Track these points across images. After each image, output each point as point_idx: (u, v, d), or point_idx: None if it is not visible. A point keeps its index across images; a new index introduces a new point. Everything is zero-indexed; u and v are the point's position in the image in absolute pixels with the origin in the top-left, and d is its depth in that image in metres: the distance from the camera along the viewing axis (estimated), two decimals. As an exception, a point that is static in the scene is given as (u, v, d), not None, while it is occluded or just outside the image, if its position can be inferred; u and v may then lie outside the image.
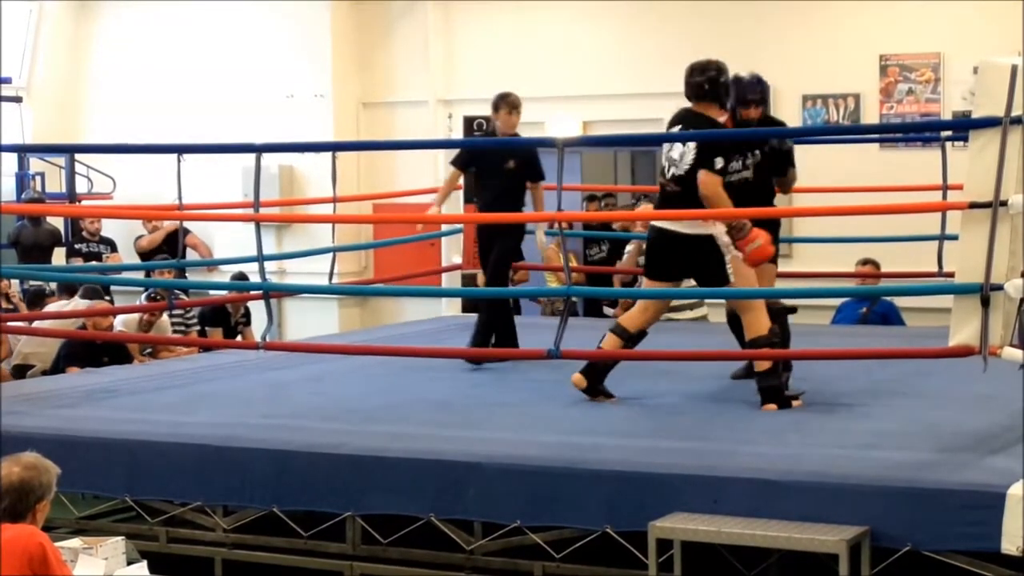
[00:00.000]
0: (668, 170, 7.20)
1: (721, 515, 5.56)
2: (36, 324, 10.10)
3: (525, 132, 11.34)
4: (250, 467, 6.56)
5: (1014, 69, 5.83)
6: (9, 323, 9.88)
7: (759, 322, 7.16)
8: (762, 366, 7.15)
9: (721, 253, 7.12)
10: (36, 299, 11.00)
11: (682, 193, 7.13)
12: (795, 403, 7.14)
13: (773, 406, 7.07)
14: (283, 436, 6.77)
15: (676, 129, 7.24)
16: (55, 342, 10.21)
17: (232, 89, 13.83)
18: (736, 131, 7.50)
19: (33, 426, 7.08)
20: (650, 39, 12.41)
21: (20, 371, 10.54)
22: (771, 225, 7.51)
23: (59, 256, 13.21)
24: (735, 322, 7.51)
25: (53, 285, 11.34)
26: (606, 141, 7.18)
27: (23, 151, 13.68)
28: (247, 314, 11.66)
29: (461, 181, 9.43)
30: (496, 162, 8.76)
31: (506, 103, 8.76)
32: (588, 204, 12.87)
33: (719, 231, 7.09)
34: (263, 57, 13.77)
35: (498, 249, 8.79)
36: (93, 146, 14.52)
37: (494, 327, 8.76)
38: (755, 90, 7.61)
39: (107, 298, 11.55)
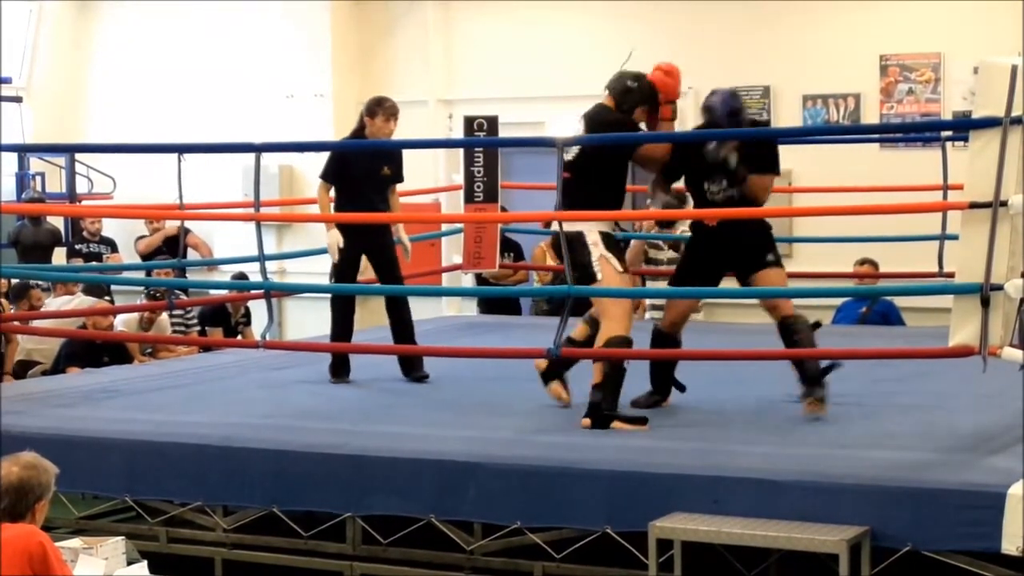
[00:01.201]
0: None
1: (721, 515, 5.57)
2: (38, 322, 10.12)
3: (526, 132, 11.40)
4: (250, 467, 6.56)
5: (1014, 69, 5.83)
6: (11, 322, 9.90)
7: (613, 332, 6.91)
8: (598, 377, 6.89)
9: (588, 252, 6.94)
10: (20, 293, 10.99)
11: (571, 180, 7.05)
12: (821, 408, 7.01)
13: (588, 421, 6.81)
14: (283, 436, 6.78)
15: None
16: (58, 339, 10.23)
17: (232, 89, 13.83)
18: (735, 131, 7.47)
19: (33, 426, 7.08)
20: (650, 39, 12.36)
21: (23, 367, 10.56)
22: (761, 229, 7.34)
23: (59, 256, 13.21)
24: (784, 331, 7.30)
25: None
26: (606, 141, 7.17)
27: (23, 151, 13.68)
28: (247, 314, 11.66)
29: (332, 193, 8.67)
30: (373, 170, 8.36)
31: (383, 109, 8.28)
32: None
33: (588, 227, 6.92)
34: (263, 57, 13.77)
35: (391, 254, 8.51)
36: (93, 146, 14.52)
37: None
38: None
39: (107, 298, 11.55)
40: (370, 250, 8.50)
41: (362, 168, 8.37)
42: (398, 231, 8.65)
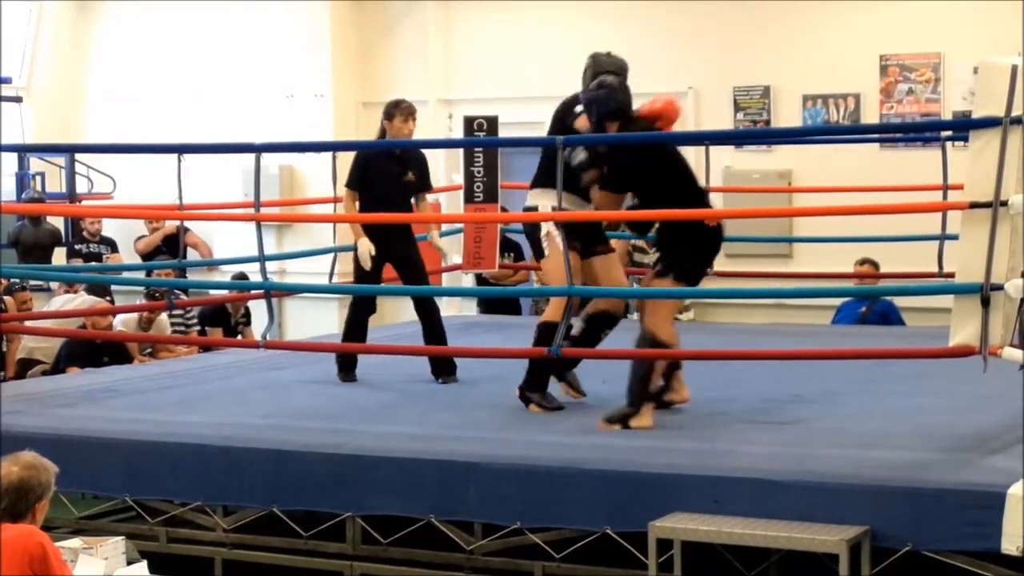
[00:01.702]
0: None
1: (721, 515, 5.57)
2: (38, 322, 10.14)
3: (526, 132, 11.39)
4: (250, 467, 6.57)
5: (1014, 69, 5.83)
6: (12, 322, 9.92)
7: (546, 317, 7.21)
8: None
9: (539, 226, 7.20)
10: (9, 293, 11.04)
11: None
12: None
13: (535, 407, 7.20)
14: (283, 436, 6.78)
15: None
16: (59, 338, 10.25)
17: (232, 89, 13.82)
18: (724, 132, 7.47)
19: (33, 426, 7.08)
20: (650, 39, 12.40)
21: (25, 366, 10.58)
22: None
23: (59, 256, 13.21)
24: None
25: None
26: (606, 140, 7.18)
27: (23, 151, 13.67)
28: (247, 314, 11.66)
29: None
30: (397, 176, 8.42)
31: (400, 110, 8.36)
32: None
33: (543, 203, 7.10)
34: (263, 57, 13.76)
35: (416, 259, 8.55)
36: (93, 146, 14.51)
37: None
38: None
39: (107, 298, 11.56)
40: (394, 257, 8.50)
41: (380, 173, 8.41)
42: (433, 236, 8.66)
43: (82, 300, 10.74)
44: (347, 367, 8.46)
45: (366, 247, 8.29)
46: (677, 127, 7.50)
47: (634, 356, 7.36)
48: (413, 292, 8.70)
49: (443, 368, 8.35)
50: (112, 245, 13.28)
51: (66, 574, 4.66)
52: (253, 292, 10.10)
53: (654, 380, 6.80)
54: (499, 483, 6.07)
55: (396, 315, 12.66)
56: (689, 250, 6.88)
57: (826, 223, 10.85)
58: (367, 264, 8.32)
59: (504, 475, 6.08)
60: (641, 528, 5.59)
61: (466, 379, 8.31)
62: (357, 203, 8.53)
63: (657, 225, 7.21)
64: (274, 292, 8.94)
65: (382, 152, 8.54)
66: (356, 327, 8.58)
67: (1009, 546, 5.18)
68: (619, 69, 7.22)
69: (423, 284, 8.63)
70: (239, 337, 11.39)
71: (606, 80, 7.03)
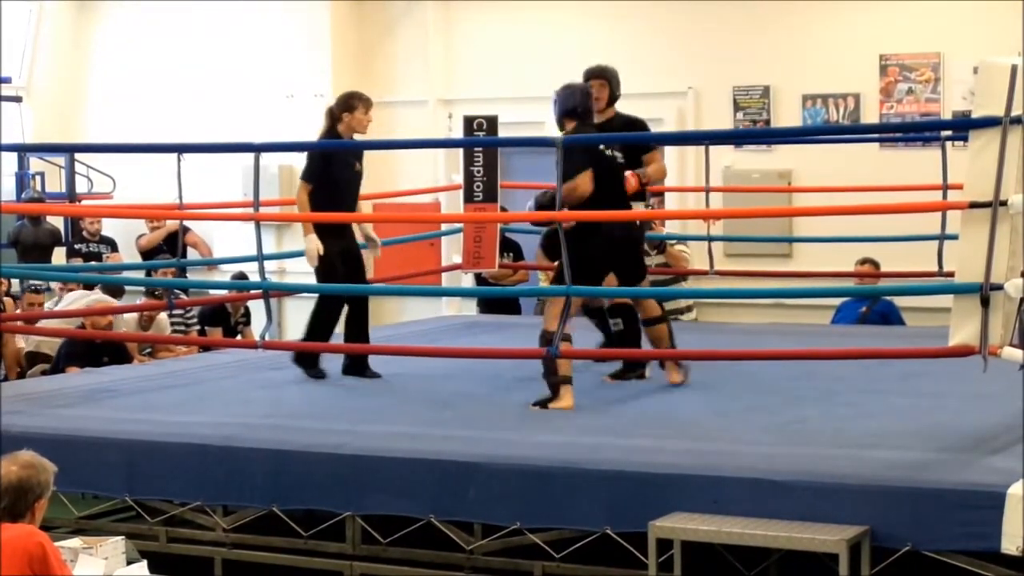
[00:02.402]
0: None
1: (721, 515, 5.56)
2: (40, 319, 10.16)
3: (526, 131, 11.40)
4: (250, 467, 6.56)
5: (1014, 69, 5.83)
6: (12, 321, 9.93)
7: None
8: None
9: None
10: (17, 295, 11.08)
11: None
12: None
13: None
14: (283, 436, 6.78)
15: None
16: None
17: (232, 89, 13.83)
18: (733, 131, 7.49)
19: (33, 426, 7.08)
20: (650, 39, 12.42)
21: (32, 359, 10.60)
22: None
23: (59, 255, 13.22)
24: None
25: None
26: (605, 140, 7.20)
27: (23, 151, 13.69)
28: (247, 314, 11.66)
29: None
30: (350, 167, 8.45)
31: (362, 101, 8.39)
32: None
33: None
34: (263, 57, 13.77)
35: (361, 257, 8.59)
36: (93, 146, 14.52)
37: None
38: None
39: (121, 298, 11.57)
40: (345, 251, 8.47)
41: (341, 166, 8.41)
42: (366, 228, 8.69)
43: (95, 298, 10.75)
44: (312, 363, 8.48)
45: (315, 244, 8.24)
46: (677, 127, 7.57)
47: (630, 356, 7.37)
48: (412, 292, 8.70)
49: (366, 365, 8.50)
50: (112, 245, 13.29)
51: (66, 574, 4.67)
52: (252, 292, 10.09)
53: (560, 366, 7.15)
54: (499, 483, 6.07)
55: (393, 315, 12.67)
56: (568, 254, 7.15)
57: (826, 223, 10.85)
58: (313, 261, 8.28)
59: (504, 475, 6.07)
60: (641, 528, 5.59)
61: (466, 379, 8.31)
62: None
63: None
64: (273, 292, 8.94)
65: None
66: (322, 327, 8.54)
67: (1009, 546, 5.18)
68: (598, 74, 7.83)
69: (363, 282, 8.64)
70: (239, 337, 11.39)
71: (571, 84, 7.61)
